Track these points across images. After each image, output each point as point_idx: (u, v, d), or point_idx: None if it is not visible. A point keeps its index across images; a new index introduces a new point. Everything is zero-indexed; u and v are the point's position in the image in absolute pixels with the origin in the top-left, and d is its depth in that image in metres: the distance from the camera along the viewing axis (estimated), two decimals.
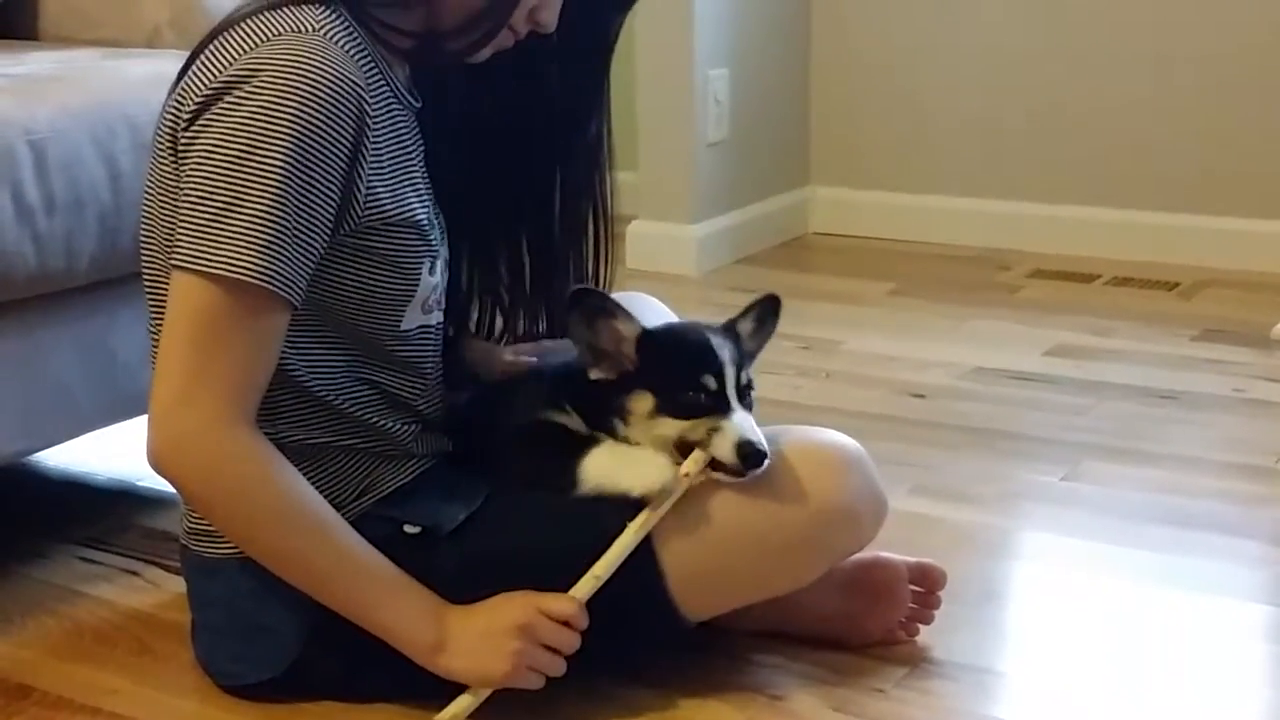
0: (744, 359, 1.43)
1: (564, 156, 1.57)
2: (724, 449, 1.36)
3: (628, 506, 1.37)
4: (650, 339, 1.42)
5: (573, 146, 1.57)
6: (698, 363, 1.39)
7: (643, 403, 1.40)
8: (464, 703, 1.37)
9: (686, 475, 1.37)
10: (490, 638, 1.35)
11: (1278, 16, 2.96)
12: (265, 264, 1.26)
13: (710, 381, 1.38)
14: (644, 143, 3.16)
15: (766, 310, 1.49)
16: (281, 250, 1.27)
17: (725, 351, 1.40)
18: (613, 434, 1.42)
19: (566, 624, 1.35)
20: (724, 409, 1.38)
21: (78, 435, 1.80)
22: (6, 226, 1.58)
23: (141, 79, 1.78)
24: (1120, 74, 3.12)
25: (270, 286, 1.27)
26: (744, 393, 1.41)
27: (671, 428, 1.39)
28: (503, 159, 1.55)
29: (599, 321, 1.40)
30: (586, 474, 1.39)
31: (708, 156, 3.18)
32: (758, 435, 1.37)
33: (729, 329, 1.47)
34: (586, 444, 1.41)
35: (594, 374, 1.41)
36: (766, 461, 1.37)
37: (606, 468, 1.38)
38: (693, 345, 1.41)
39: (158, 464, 1.32)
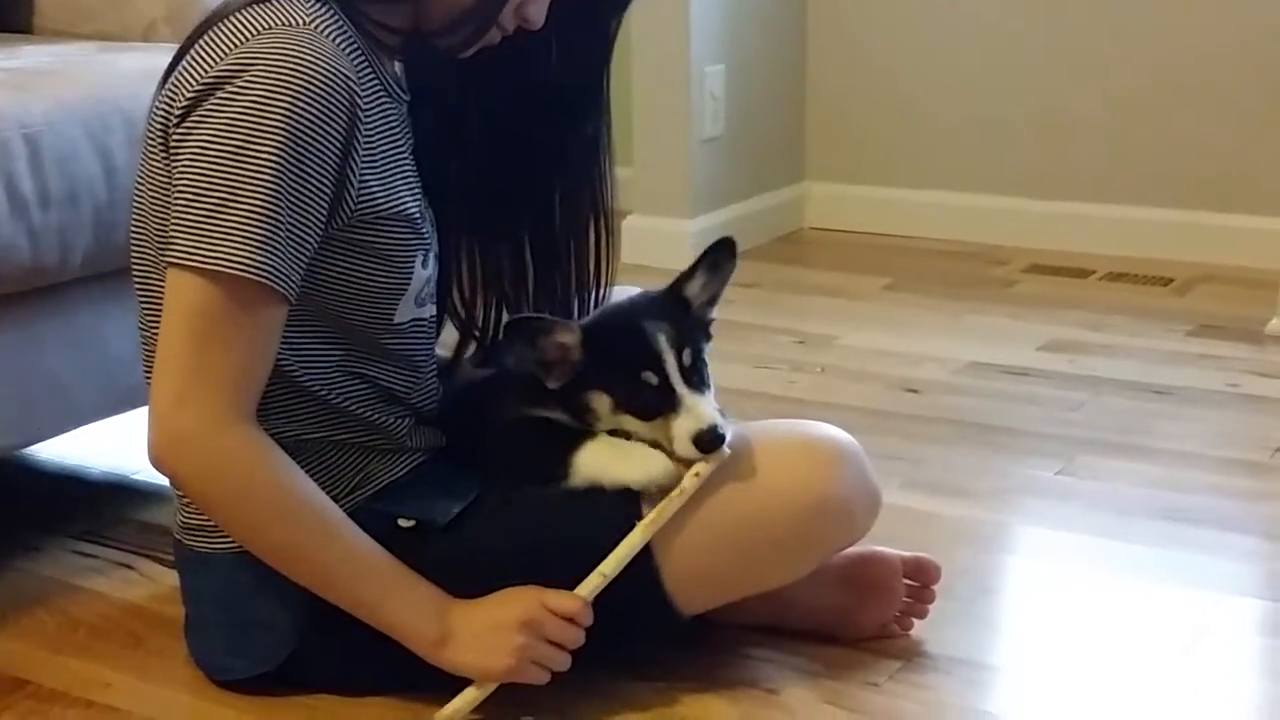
0: (687, 331, 1.40)
1: (563, 155, 1.57)
2: (684, 448, 1.36)
3: (623, 500, 1.37)
4: (592, 337, 1.40)
5: (572, 146, 1.56)
6: (634, 359, 1.38)
7: (601, 401, 1.40)
8: (468, 697, 1.37)
9: (697, 475, 1.37)
10: (495, 632, 1.35)
11: (1273, 15, 2.96)
12: (261, 259, 1.26)
13: (650, 377, 1.37)
14: (640, 138, 3.15)
15: (720, 255, 1.45)
16: (277, 245, 1.27)
17: (662, 337, 1.38)
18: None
19: (571, 620, 1.35)
20: (671, 401, 1.37)
21: (72, 429, 1.80)
22: (1, 220, 1.58)
23: (136, 73, 1.77)
24: (1116, 69, 3.12)
25: (267, 281, 1.26)
26: (691, 372, 1.38)
27: (637, 425, 1.39)
28: (503, 158, 1.55)
29: (540, 340, 1.39)
30: (580, 465, 1.38)
31: (703, 152, 3.18)
32: (710, 416, 1.36)
33: (672, 298, 1.44)
34: (578, 436, 1.40)
35: (551, 384, 1.41)
36: (727, 439, 1.36)
37: (603, 458, 1.38)
38: (628, 339, 1.39)
39: (159, 463, 1.32)
